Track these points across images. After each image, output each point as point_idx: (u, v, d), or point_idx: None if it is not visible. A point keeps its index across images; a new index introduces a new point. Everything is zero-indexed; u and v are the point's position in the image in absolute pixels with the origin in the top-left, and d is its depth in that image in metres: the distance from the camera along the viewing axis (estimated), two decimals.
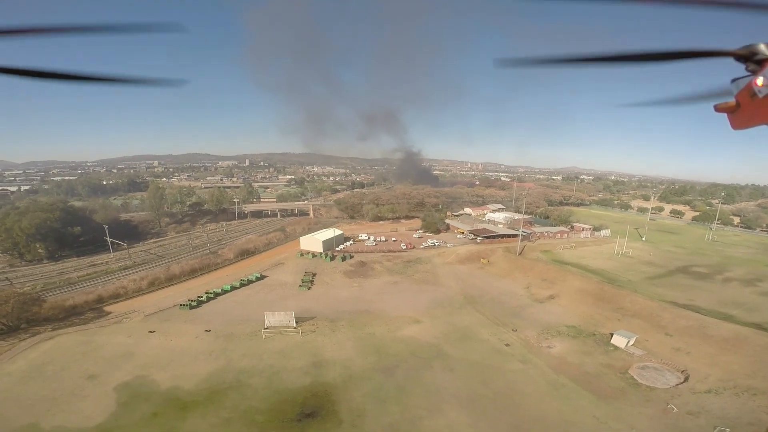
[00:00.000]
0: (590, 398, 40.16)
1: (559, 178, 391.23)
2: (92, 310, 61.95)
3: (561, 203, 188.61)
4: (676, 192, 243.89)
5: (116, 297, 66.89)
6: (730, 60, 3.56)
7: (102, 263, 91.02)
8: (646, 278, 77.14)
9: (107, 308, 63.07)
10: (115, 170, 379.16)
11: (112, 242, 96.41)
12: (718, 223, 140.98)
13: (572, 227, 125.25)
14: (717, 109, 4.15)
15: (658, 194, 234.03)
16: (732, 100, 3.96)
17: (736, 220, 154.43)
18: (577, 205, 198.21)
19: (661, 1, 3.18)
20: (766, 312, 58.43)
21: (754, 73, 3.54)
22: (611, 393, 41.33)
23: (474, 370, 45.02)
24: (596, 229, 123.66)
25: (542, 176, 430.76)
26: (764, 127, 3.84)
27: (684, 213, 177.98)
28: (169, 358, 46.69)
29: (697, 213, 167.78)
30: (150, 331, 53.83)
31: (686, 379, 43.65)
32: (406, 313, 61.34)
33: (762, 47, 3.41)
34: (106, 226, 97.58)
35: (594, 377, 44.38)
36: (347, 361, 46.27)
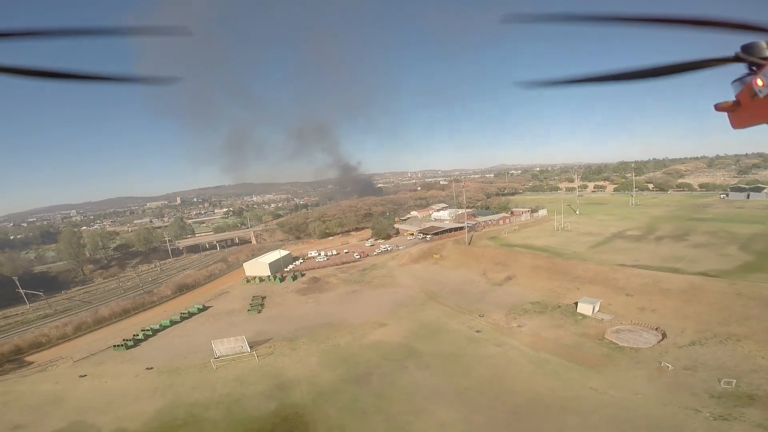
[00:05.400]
0: (579, 370, 39.06)
1: (492, 175, 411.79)
2: (10, 362, 55.47)
3: (498, 194, 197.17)
4: (594, 171, 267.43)
5: (38, 346, 60.22)
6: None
7: (16, 315, 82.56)
8: (589, 247, 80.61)
9: (28, 358, 56.67)
10: (24, 224, 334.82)
11: (26, 293, 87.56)
12: (636, 190, 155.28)
13: (512, 212, 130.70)
14: (717, 108, 4.14)
15: (580, 175, 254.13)
16: (732, 100, 3.95)
17: (650, 186, 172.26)
18: (512, 194, 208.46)
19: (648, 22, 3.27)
20: (705, 261, 62.29)
21: (755, 72, 3.54)
22: (598, 361, 40.61)
23: (451, 363, 42.71)
24: (534, 210, 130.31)
25: (476, 176, 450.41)
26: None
27: (605, 187, 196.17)
28: (107, 401, 41.74)
29: (617, 185, 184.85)
30: (81, 376, 48.32)
31: (664, 336, 44.05)
32: (369, 318, 58.13)
33: (763, 46, 3.40)
34: (15, 278, 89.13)
35: (574, 348, 43.73)
36: (314, 378, 42.16)
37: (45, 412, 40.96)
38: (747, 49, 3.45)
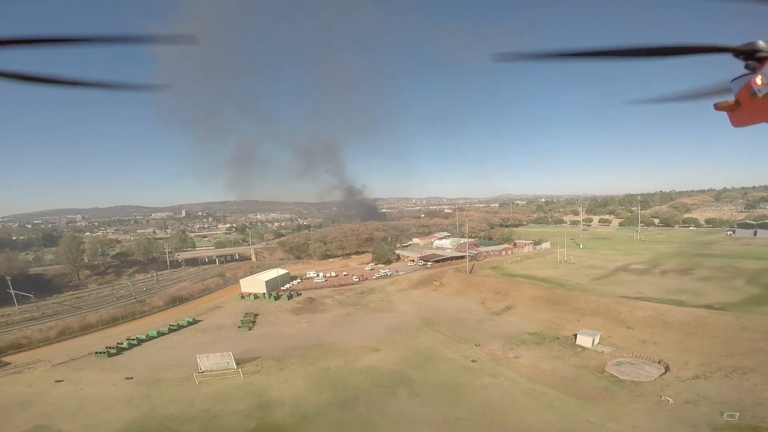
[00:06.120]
0: (576, 403, 37.37)
1: (497, 204, 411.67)
2: None
3: (501, 225, 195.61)
4: (599, 204, 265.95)
5: (17, 347, 59.86)
6: (730, 59, 3.59)
7: (3, 316, 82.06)
8: (592, 279, 79.04)
9: (5, 359, 55.96)
10: (29, 225, 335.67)
11: (16, 294, 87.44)
12: (641, 225, 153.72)
13: (515, 244, 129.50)
14: (717, 107, 4.17)
15: (585, 208, 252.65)
16: (732, 99, 3.96)
17: (656, 221, 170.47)
18: (516, 225, 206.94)
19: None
20: (711, 294, 60.94)
21: (754, 71, 3.54)
22: (596, 394, 38.95)
23: (443, 392, 41.01)
24: (537, 243, 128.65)
25: (481, 205, 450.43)
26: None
27: (611, 221, 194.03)
28: (77, 407, 40.75)
29: (622, 219, 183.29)
30: (57, 381, 47.37)
31: (667, 369, 42.45)
32: (362, 342, 56.59)
33: (762, 45, 3.39)
34: (8, 278, 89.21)
35: (572, 381, 42.02)
36: (299, 399, 40.54)
37: (10, 414, 40.07)
38: (746, 47, 3.45)
